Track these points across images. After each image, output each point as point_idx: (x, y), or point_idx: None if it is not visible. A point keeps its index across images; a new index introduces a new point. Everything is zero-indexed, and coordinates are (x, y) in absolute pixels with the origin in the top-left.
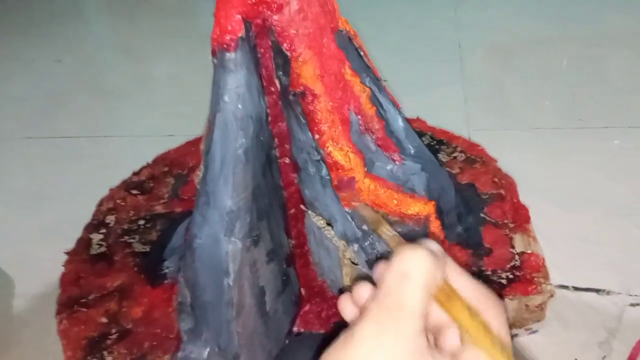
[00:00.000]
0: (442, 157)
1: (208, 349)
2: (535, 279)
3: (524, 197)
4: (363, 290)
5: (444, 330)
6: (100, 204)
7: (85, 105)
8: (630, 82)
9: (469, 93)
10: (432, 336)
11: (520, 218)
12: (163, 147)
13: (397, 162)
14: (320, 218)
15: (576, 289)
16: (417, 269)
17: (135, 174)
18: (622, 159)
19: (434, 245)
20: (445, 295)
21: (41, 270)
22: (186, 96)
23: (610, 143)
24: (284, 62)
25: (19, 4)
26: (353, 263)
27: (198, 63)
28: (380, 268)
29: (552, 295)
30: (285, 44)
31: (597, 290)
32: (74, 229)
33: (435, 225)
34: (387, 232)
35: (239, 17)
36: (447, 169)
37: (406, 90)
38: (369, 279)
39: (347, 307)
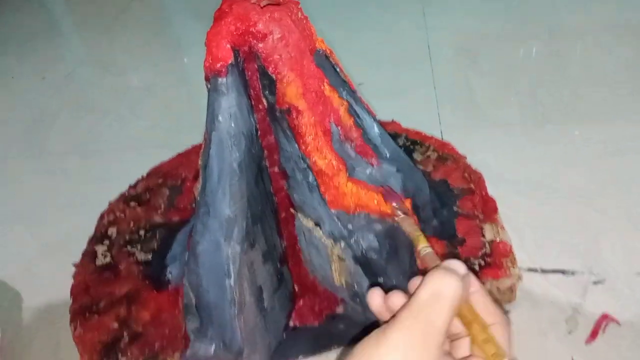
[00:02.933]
0: (417, 156)
1: (214, 345)
2: (504, 263)
3: (495, 189)
4: (397, 297)
5: (460, 340)
6: (102, 217)
7: (71, 121)
8: (587, 77)
9: (440, 93)
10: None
11: (489, 209)
12: (152, 160)
13: (375, 166)
14: (309, 220)
15: (544, 271)
16: (448, 291)
17: (131, 187)
18: (581, 149)
19: (459, 266)
20: (466, 317)
21: (45, 283)
22: (167, 107)
23: (570, 135)
24: (270, 83)
25: None
26: (341, 259)
27: (174, 73)
28: (414, 282)
29: (520, 278)
30: (270, 68)
31: (563, 272)
32: (73, 242)
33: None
34: (426, 250)
35: (228, 46)
36: (422, 167)
37: (381, 92)
38: (358, 274)
39: (375, 300)
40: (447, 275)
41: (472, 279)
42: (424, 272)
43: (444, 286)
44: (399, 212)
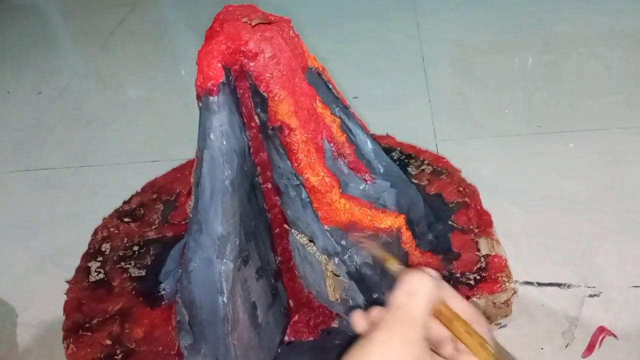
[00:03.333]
0: (411, 170)
1: None
2: (500, 278)
3: (489, 201)
4: (377, 310)
5: (443, 342)
6: (95, 233)
7: (66, 135)
8: (581, 87)
9: (435, 105)
10: (432, 347)
11: (484, 223)
12: (148, 173)
13: (368, 182)
14: (303, 236)
15: (540, 284)
16: (422, 287)
17: (125, 202)
18: (576, 160)
19: (432, 272)
20: (446, 316)
21: (39, 299)
22: (163, 120)
23: (565, 146)
24: (262, 101)
25: None
26: (335, 275)
27: (170, 86)
28: (391, 294)
29: (515, 292)
30: (262, 86)
31: (559, 285)
32: (67, 257)
33: (406, 236)
34: (394, 266)
35: (219, 65)
36: (416, 181)
37: (376, 104)
38: (352, 289)
39: (359, 321)
40: (418, 274)
41: (445, 284)
42: None
43: (417, 284)
44: (363, 240)
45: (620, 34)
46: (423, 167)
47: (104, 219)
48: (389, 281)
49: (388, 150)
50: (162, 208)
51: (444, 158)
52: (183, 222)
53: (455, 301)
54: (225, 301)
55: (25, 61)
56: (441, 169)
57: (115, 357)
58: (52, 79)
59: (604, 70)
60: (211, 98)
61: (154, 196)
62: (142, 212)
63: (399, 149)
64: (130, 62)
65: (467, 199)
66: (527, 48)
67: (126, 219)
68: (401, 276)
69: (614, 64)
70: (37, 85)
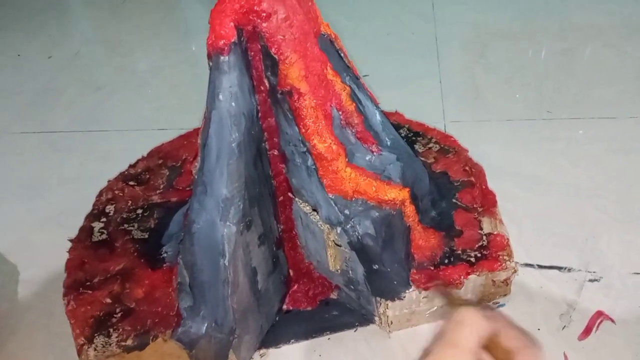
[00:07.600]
0: (418, 147)
1: (206, 324)
2: (501, 257)
3: (496, 183)
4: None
5: None
6: (100, 194)
7: (76, 100)
8: (594, 75)
9: (446, 86)
10: None
11: (488, 202)
12: (155, 141)
13: (375, 153)
14: (307, 204)
15: (540, 267)
16: (469, 318)
17: (131, 166)
18: (585, 147)
19: (487, 312)
20: (498, 349)
21: (42, 258)
22: (171, 89)
23: (575, 133)
24: (273, 64)
25: (4, 0)
26: (337, 245)
27: (181, 56)
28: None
29: (515, 271)
30: (273, 49)
31: (560, 268)
32: (70, 218)
33: (410, 210)
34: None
35: (231, 24)
36: (423, 158)
37: (386, 83)
38: (353, 260)
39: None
40: (467, 308)
41: (502, 317)
42: (420, 264)
43: (464, 315)
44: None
45: (636, 24)
46: (430, 145)
47: (109, 181)
48: (390, 253)
49: (396, 127)
50: (167, 173)
51: (451, 137)
52: (187, 188)
53: (510, 334)
54: (227, 264)
55: (37, 25)
56: (448, 147)
57: (115, 316)
58: (63, 44)
59: (618, 59)
60: (222, 57)
61: (160, 161)
62: (148, 176)
63: (407, 126)
64: (141, 30)
65: (472, 178)
66: (542, 34)
67: (131, 182)
68: (454, 311)
69: (628, 54)
70: (48, 49)
